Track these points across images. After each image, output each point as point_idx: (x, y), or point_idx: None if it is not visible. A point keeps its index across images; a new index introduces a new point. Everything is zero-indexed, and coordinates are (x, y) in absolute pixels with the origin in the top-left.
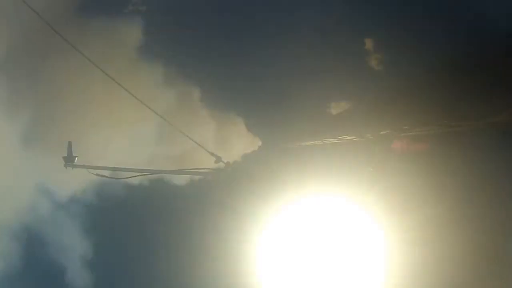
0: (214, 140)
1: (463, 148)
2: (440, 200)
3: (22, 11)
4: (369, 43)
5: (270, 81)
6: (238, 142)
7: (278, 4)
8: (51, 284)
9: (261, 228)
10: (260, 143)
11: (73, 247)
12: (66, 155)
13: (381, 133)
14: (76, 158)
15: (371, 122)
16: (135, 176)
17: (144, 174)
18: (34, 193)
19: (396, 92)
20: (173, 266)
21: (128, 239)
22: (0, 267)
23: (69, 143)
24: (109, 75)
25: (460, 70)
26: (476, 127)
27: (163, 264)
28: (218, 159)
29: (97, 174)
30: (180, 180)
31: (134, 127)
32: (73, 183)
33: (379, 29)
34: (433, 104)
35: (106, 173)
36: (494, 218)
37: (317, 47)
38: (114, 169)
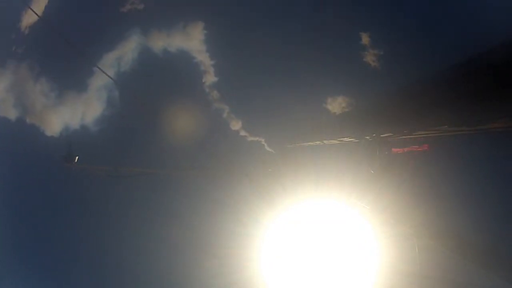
0: None
1: (462, 151)
2: (439, 202)
3: None
4: (370, 47)
5: (271, 82)
6: None
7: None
8: None
9: (260, 228)
10: (260, 143)
11: None
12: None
13: (382, 135)
14: (77, 157)
15: (371, 125)
16: (135, 175)
17: (144, 174)
18: None
19: (396, 96)
20: (172, 265)
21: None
22: None
23: (69, 143)
24: None
25: (460, 75)
26: (475, 132)
27: (161, 263)
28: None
29: (98, 173)
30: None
31: None
32: None
33: (380, 33)
34: (433, 109)
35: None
36: (493, 219)
37: (318, 49)
38: (114, 168)
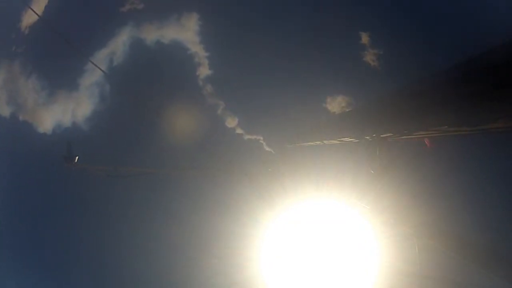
0: None
1: (462, 152)
2: (439, 202)
3: None
4: (370, 46)
5: (271, 82)
6: None
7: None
8: None
9: (260, 228)
10: (260, 142)
11: None
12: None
13: (382, 135)
14: (77, 157)
15: (371, 125)
16: (136, 175)
17: (144, 174)
18: None
19: (396, 96)
20: (172, 265)
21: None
22: None
23: (68, 143)
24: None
25: (460, 75)
26: (475, 132)
27: (163, 262)
28: None
29: (98, 173)
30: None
31: None
32: None
33: (380, 32)
34: (433, 109)
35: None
36: (493, 219)
37: (319, 49)
38: (114, 168)
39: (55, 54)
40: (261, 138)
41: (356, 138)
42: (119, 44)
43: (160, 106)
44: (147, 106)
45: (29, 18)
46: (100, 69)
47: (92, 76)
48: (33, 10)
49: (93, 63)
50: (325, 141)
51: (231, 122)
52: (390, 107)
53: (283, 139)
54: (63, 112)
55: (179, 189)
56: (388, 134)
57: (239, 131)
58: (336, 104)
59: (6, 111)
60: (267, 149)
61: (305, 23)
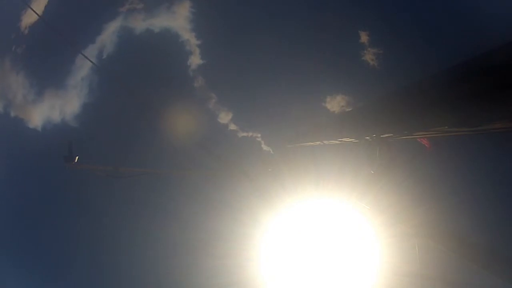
0: None
1: (462, 152)
2: (439, 202)
3: None
4: (369, 46)
5: (271, 82)
6: None
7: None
8: None
9: (260, 228)
10: (260, 142)
11: None
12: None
13: (382, 136)
14: (77, 157)
15: (371, 125)
16: (136, 175)
17: (144, 174)
18: None
19: (396, 96)
20: (172, 265)
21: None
22: None
23: (70, 143)
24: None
25: (461, 76)
26: (475, 133)
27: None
28: None
29: (98, 173)
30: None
31: None
32: None
33: (380, 32)
34: (433, 109)
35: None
36: (493, 219)
37: (319, 49)
38: (114, 168)
39: (51, 53)
40: (259, 135)
41: (356, 138)
42: (116, 41)
43: (159, 103)
44: (146, 104)
45: (29, 17)
46: (96, 64)
47: (92, 75)
48: (36, 13)
49: (88, 59)
50: (325, 141)
51: (225, 118)
52: (390, 107)
53: (283, 139)
54: (63, 111)
55: (179, 189)
56: (388, 134)
57: (236, 129)
58: (336, 104)
59: (4, 111)
60: (265, 148)
61: (306, 21)
